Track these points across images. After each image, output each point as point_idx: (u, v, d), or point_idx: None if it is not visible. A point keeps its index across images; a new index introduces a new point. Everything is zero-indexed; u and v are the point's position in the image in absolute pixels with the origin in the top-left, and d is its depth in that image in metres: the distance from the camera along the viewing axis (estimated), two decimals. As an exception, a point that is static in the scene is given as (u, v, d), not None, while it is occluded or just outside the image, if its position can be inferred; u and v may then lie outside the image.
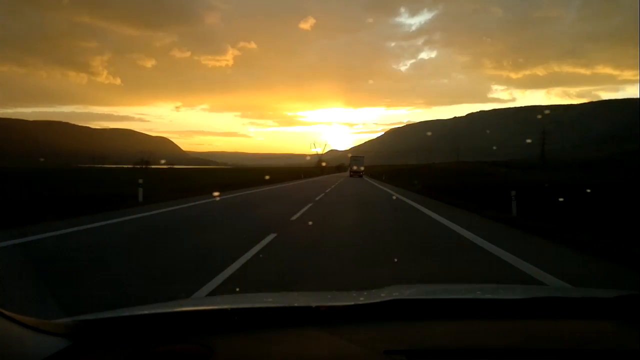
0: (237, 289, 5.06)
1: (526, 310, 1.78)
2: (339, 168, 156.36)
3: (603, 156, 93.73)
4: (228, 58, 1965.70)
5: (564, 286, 5.36)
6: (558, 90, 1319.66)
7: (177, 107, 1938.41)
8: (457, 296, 2.15)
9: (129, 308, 1.74)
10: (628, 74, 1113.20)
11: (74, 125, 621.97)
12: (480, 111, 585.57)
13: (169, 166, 52.38)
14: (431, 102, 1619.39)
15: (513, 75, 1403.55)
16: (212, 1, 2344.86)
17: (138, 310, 1.70)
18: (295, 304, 1.89)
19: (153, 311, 1.70)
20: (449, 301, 1.95)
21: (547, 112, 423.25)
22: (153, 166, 53.45)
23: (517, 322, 1.69)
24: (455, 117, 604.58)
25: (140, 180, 16.62)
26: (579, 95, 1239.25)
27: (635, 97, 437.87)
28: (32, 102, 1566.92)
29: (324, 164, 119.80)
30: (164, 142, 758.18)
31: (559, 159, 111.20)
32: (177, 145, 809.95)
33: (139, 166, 49.52)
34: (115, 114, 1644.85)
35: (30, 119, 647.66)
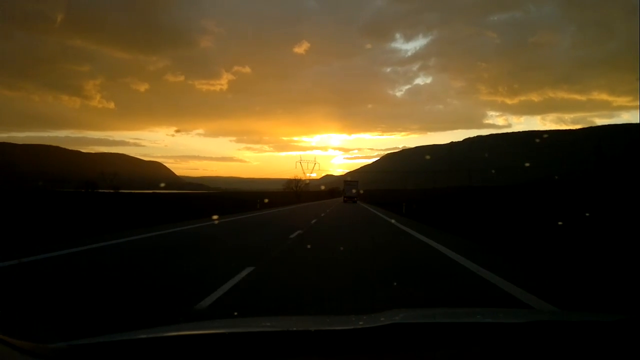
0: (235, 313, 5.12)
1: (527, 334, 1.75)
2: (332, 193, 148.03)
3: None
4: (223, 82, 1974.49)
5: (563, 310, 5.34)
6: (553, 116, 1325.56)
7: (172, 133, 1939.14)
8: (457, 320, 2.12)
9: (125, 332, 1.74)
10: (623, 100, 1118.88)
11: (64, 149, 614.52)
12: (478, 136, 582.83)
13: (116, 190, 43.39)
14: (427, 127, 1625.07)
15: (508, 101, 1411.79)
16: (205, 25, 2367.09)
17: (134, 334, 1.69)
18: (294, 328, 1.86)
19: (149, 335, 1.67)
20: (449, 325, 1.93)
21: (545, 136, 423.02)
22: (103, 190, 44.73)
23: (517, 347, 1.66)
24: (452, 142, 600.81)
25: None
26: (573, 122, 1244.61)
27: (630, 122, 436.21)
28: (25, 126, 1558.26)
29: (302, 179, 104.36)
30: (157, 166, 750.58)
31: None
32: (170, 170, 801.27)
33: (82, 190, 40.76)
34: (111, 138, 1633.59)
35: (21, 142, 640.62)
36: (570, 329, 1.82)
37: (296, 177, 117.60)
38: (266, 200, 42.96)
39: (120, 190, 43.98)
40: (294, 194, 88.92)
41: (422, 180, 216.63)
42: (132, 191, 48.91)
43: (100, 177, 49.75)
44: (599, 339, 1.71)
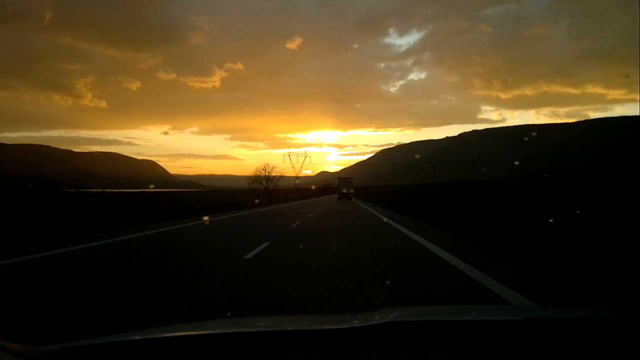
0: (229, 313, 5.04)
1: (522, 331, 1.76)
2: (327, 190, 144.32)
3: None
4: (215, 80, 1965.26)
5: (558, 307, 5.31)
6: (547, 110, 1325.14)
7: (166, 131, 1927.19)
8: (452, 318, 2.14)
9: (118, 334, 1.74)
10: (617, 93, 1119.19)
11: (56, 149, 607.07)
12: (473, 131, 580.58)
13: (76, 190, 39.70)
14: (421, 123, 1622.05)
15: (502, 95, 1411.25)
16: (196, 21, 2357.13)
17: (128, 336, 1.69)
18: (289, 328, 1.86)
19: (143, 337, 1.67)
20: (444, 323, 1.95)
21: (534, 133, 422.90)
22: (69, 190, 40.84)
23: (512, 344, 1.66)
24: (447, 137, 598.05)
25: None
26: (567, 115, 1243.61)
27: (624, 115, 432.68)
28: (17, 126, 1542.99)
29: (272, 173, 72.05)
30: (150, 165, 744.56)
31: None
32: (164, 169, 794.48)
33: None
34: (104, 137, 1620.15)
35: (11, 142, 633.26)
36: (565, 326, 1.81)
37: (265, 168, 72.51)
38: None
39: (82, 190, 40.31)
40: (264, 192, 68.30)
41: (420, 176, 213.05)
42: (94, 190, 45.29)
43: (76, 176, 45.82)
44: (594, 335, 1.71)
